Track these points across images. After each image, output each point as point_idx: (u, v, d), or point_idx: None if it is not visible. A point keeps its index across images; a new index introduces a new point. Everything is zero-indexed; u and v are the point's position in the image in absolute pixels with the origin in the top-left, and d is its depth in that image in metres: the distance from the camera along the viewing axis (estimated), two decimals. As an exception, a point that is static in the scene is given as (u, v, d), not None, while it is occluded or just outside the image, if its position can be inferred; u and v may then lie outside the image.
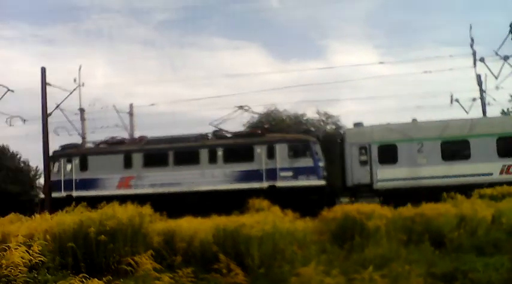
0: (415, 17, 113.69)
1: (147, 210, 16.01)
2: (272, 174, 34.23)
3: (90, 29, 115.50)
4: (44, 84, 37.47)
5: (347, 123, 55.03)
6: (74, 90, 43.96)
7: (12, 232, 15.78)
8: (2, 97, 36.80)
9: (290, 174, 33.91)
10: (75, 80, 45.07)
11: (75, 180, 37.69)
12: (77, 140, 45.13)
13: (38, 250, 13.19)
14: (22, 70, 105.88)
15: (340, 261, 13.87)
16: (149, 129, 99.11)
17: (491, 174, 31.72)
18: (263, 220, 14.89)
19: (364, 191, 31.64)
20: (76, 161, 38.01)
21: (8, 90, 37.33)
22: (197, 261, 13.89)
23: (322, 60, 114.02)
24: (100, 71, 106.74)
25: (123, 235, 14.51)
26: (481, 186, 23.82)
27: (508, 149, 32.48)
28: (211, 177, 35.37)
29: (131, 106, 49.27)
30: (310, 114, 67.47)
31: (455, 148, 33.36)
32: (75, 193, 36.66)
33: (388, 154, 33.72)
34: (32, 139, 79.57)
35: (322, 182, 33.73)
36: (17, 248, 12.71)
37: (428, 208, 17.90)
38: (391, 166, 33.57)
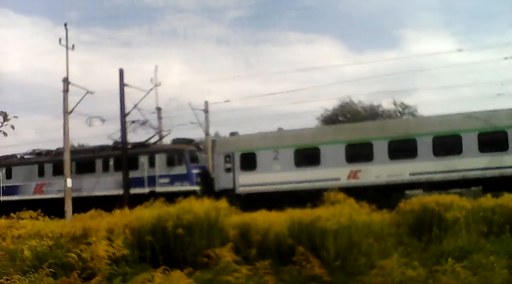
0: (493, 1, 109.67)
1: (222, 204, 16.17)
2: (152, 180, 38.73)
3: (165, 30, 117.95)
4: (122, 85, 38.42)
5: (424, 113, 53.72)
6: (151, 89, 45.01)
7: (93, 227, 16.29)
8: (81, 99, 37.92)
9: (167, 180, 38.45)
10: (151, 80, 46.19)
11: (3, 187, 45.36)
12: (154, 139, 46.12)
13: (120, 244, 13.61)
14: (100, 72, 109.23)
15: (418, 253, 13.55)
16: (224, 126, 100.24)
17: (339, 179, 33.39)
18: (339, 212, 14.69)
19: (229, 195, 31.96)
20: (3, 171, 45.59)
21: (88, 92, 38.41)
22: (272, 254, 13.88)
23: (397, 50, 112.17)
24: (175, 70, 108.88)
25: (199, 229, 14.73)
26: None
27: (356, 155, 34.14)
28: (104, 183, 40.48)
29: (206, 103, 49.83)
30: (386, 105, 66.58)
31: (306, 155, 35.40)
32: (2, 198, 44.68)
33: (249, 161, 36.77)
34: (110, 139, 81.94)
35: (195, 187, 37.00)
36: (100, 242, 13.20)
37: (509, 199, 17.25)
38: (251, 173, 36.58)
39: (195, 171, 38.25)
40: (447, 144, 32.64)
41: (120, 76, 38.45)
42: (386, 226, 16.16)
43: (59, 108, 37.47)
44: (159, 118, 47.88)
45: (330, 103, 70.63)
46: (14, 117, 4.01)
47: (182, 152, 38.43)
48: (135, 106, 41.91)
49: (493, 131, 31.86)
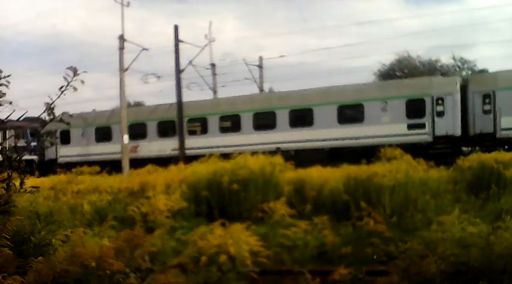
0: None
1: (277, 159, 16.15)
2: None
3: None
4: (177, 41, 38.45)
5: (485, 67, 51.94)
6: (205, 45, 44.93)
7: (151, 182, 16.57)
8: (137, 56, 38.19)
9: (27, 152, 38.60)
10: (206, 36, 46.07)
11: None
12: (209, 95, 46.29)
13: (177, 199, 13.84)
14: (155, 29, 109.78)
15: (475, 211, 13.28)
16: (278, 81, 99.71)
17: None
18: (395, 169, 14.49)
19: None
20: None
21: (143, 49, 38.62)
22: (327, 210, 13.82)
23: (457, 3, 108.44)
24: (230, 26, 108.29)
25: (254, 184, 14.80)
26: None
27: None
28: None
29: (260, 59, 49.52)
30: (445, 59, 65.00)
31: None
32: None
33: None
34: (165, 95, 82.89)
35: (33, 157, 40.23)
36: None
37: None
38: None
39: (34, 144, 38.41)
40: None
41: (175, 32, 38.46)
42: (443, 183, 15.89)
43: (115, 65, 37.65)
44: (214, 74, 47.90)
45: (387, 58, 69.22)
46: (84, 72, 3.97)
47: (25, 130, 38.20)
48: (190, 62, 42.01)
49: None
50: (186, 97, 38.74)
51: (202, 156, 18.87)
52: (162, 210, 13.03)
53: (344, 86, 36.20)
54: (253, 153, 16.85)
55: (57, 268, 6.86)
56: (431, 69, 61.00)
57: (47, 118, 3.88)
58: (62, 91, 3.87)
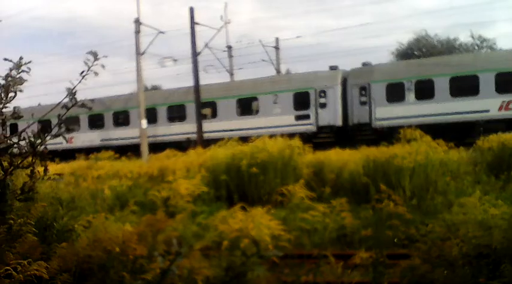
0: None
1: (296, 142, 16.13)
2: None
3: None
4: (193, 23, 38.28)
5: (504, 46, 51.27)
6: (221, 27, 44.76)
7: (170, 167, 16.64)
8: (153, 39, 38.13)
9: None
10: (221, 18, 45.90)
11: None
12: (226, 77, 46.24)
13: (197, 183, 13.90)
14: (171, 12, 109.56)
15: (496, 192, 13.19)
16: (296, 63, 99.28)
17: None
18: (415, 150, 14.41)
19: None
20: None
21: (159, 32, 38.53)
22: (346, 193, 13.80)
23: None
24: (245, 7, 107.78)
25: (273, 167, 14.81)
26: None
27: None
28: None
29: (277, 40, 49.20)
30: (464, 38, 64.35)
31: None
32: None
33: None
34: (182, 79, 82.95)
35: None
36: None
37: None
38: None
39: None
40: None
41: (191, 14, 38.28)
42: (463, 164, 15.80)
43: (131, 49, 37.55)
44: (230, 56, 47.77)
45: (405, 37, 68.69)
46: (104, 56, 3.96)
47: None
48: (206, 45, 41.92)
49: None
50: (204, 80, 38.74)
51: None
52: (183, 195, 13.09)
53: (242, 81, 38.84)
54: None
55: (80, 253, 6.90)
56: (449, 47, 60.44)
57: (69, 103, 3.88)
58: (83, 76, 3.87)
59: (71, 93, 3.85)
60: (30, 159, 3.99)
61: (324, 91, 34.54)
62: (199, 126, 35.63)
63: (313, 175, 14.92)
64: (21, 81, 3.87)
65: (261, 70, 61.23)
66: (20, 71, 3.90)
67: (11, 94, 3.86)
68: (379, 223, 11.51)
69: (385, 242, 10.34)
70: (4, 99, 3.84)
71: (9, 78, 3.93)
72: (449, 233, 8.74)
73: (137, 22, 36.97)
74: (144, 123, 35.80)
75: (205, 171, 15.31)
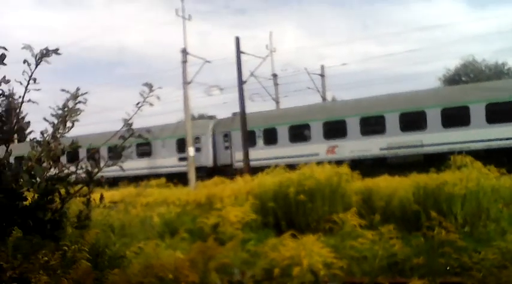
0: None
1: (344, 169, 16.02)
2: None
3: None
4: (239, 52, 38.69)
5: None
6: (267, 56, 45.15)
7: (217, 194, 16.71)
8: (200, 69, 38.67)
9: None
10: (267, 46, 46.29)
11: None
12: (271, 105, 46.43)
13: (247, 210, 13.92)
14: (217, 42, 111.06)
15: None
16: (341, 90, 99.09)
17: None
18: (466, 177, 14.13)
19: None
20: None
21: (205, 61, 39.08)
22: (396, 220, 13.59)
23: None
24: (290, 36, 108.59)
25: (321, 195, 14.70)
26: None
27: None
28: None
29: (322, 67, 49.31)
30: (513, 62, 63.36)
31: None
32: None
33: None
34: (228, 107, 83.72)
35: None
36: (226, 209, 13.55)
37: None
38: None
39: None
40: None
41: (237, 44, 38.73)
42: (516, 190, 15.40)
43: (178, 79, 38.05)
44: (275, 84, 48.01)
45: (452, 63, 67.87)
46: (159, 88, 4.04)
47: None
48: (252, 73, 42.31)
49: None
50: (249, 108, 39.01)
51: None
52: (232, 222, 13.11)
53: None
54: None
55: (132, 280, 6.97)
56: (497, 72, 59.55)
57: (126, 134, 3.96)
58: (139, 107, 3.95)
59: (128, 124, 3.93)
60: (86, 187, 4.06)
61: (199, 138, 40.63)
62: (246, 154, 35.79)
63: (361, 202, 14.75)
64: (78, 111, 3.96)
65: (307, 98, 61.19)
66: (76, 101, 4.00)
67: (69, 124, 3.95)
68: (430, 251, 11.28)
69: (437, 270, 10.14)
70: (62, 129, 3.93)
71: (66, 109, 4.02)
72: (504, 261, 8.53)
73: (184, 52, 37.55)
74: (191, 150, 36.14)
75: (252, 198, 15.30)
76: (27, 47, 3.43)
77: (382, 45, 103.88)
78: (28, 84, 3.45)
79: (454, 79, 62.04)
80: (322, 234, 12.58)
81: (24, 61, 3.43)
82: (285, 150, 36.02)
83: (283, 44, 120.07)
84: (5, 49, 3.31)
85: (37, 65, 3.46)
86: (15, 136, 3.87)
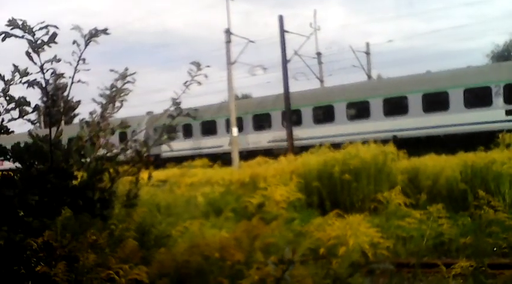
0: None
1: (390, 148, 15.85)
2: None
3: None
4: (282, 31, 38.42)
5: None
6: (311, 34, 44.73)
7: (261, 174, 16.74)
8: (243, 49, 38.58)
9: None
10: (310, 25, 45.86)
11: None
12: (316, 84, 46.10)
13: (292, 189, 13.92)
14: (260, 21, 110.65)
15: None
16: (387, 67, 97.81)
17: None
18: (514, 155, 13.86)
19: None
20: None
21: (249, 41, 38.94)
22: (443, 199, 13.42)
23: None
24: (335, 13, 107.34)
25: (366, 174, 14.57)
26: None
27: None
28: None
29: (367, 45, 48.52)
30: None
31: None
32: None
33: None
34: (272, 87, 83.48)
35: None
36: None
37: None
38: None
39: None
40: None
41: (280, 23, 38.43)
42: None
43: (222, 59, 38.02)
44: (320, 63, 47.55)
45: (501, 39, 66.23)
46: (207, 66, 4.03)
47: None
48: (296, 52, 41.97)
49: None
50: (293, 87, 38.75)
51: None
52: (277, 201, 13.13)
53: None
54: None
55: (178, 258, 7.04)
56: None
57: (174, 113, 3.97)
58: (187, 86, 3.95)
59: (176, 102, 3.94)
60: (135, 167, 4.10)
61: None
62: (290, 133, 35.59)
63: (408, 181, 14.59)
64: (127, 91, 3.99)
65: (352, 76, 60.62)
66: (125, 81, 4.02)
67: (117, 104, 3.98)
68: (478, 231, 11.13)
69: (484, 251, 9.99)
70: (110, 109, 3.96)
71: (114, 89, 4.05)
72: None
73: (228, 32, 37.47)
74: (235, 131, 36.19)
75: (297, 177, 15.27)
76: (76, 28, 3.46)
77: (429, 21, 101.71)
78: (78, 64, 3.48)
79: (503, 55, 60.51)
80: (367, 214, 12.53)
81: (74, 42, 3.46)
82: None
83: (328, 21, 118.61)
84: (57, 27, 3.34)
85: (86, 45, 3.48)
86: (63, 117, 3.92)
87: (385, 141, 18.01)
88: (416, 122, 30.50)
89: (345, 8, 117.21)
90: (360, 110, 33.45)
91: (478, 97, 28.97)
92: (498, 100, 28.50)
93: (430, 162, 15.47)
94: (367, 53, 48.06)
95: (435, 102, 30.10)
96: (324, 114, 35.14)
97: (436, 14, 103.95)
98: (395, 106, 31.68)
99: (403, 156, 16.51)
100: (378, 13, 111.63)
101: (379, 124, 31.52)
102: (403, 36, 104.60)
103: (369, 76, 47.19)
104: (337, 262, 6.11)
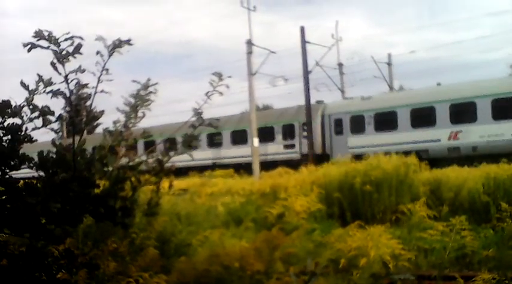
0: None
1: (412, 159, 15.76)
2: None
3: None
4: (304, 42, 38.43)
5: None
6: (332, 45, 44.69)
7: (282, 184, 16.72)
8: (264, 60, 38.62)
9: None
10: (332, 36, 45.80)
11: None
12: (337, 95, 46.00)
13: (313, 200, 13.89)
14: (282, 32, 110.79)
15: None
16: (409, 79, 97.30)
17: None
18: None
19: None
20: None
21: (270, 52, 39.00)
22: (465, 211, 13.29)
23: None
24: (356, 25, 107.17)
25: (388, 185, 14.48)
26: None
27: None
28: None
29: (389, 56, 48.28)
30: None
31: None
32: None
33: None
34: (293, 97, 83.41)
35: None
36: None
37: None
38: None
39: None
40: None
41: (302, 34, 38.47)
42: None
43: (243, 70, 38.06)
44: (341, 74, 47.46)
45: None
46: (228, 76, 4.07)
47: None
48: (317, 63, 41.92)
49: None
50: (314, 98, 38.69)
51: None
52: (297, 211, 13.10)
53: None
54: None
55: (198, 267, 7.06)
56: None
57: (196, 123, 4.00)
58: (208, 96, 3.98)
59: (197, 112, 3.97)
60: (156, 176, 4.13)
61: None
62: (311, 144, 35.53)
63: (429, 193, 14.48)
64: (149, 101, 4.03)
65: (374, 87, 60.18)
66: (147, 91, 4.06)
67: (140, 114, 4.02)
68: (500, 243, 11.01)
69: (507, 264, 9.87)
70: (133, 119, 4.01)
71: (138, 99, 4.09)
72: None
73: (249, 43, 37.57)
74: (255, 141, 36.20)
75: (317, 188, 15.24)
76: (100, 39, 3.51)
77: (452, 32, 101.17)
78: (101, 74, 3.52)
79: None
80: (388, 225, 12.46)
81: (97, 52, 3.51)
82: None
83: (349, 32, 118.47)
84: (81, 38, 3.39)
85: (110, 55, 3.53)
86: (86, 127, 3.97)
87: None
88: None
89: (367, 19, 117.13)
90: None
91: None
92: None
93: (452, 174, 15.33)
94: (389, 64, 47.85)
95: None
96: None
97: (460, 25, 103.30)
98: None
99: (424, 167, 16.40)
100: (401, 24, 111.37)
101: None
102: (426, 46, 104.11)
103: (391, 87, 46.98)
104: (358, 274, 6.07)
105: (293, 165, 28.93)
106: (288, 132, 37.76)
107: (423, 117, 31.46)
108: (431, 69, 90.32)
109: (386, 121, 32.82)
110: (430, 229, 11.11)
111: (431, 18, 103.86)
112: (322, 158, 32.64)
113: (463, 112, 29.88)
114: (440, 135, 30.42)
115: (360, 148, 32.19)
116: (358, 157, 30.38)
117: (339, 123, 35.25)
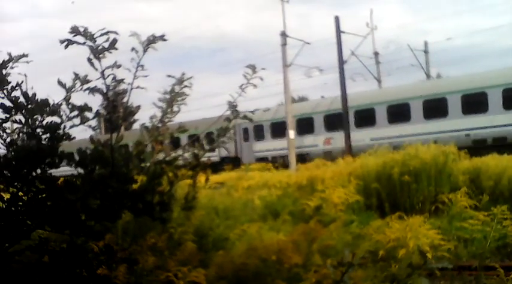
0: None
1: (451, 148, 15.54)
2: None
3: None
4: (339, 32, 38.14)
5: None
6: (368, 34, 44.30)
7: (319, 176, 16.67)
8: (299, 51, 38.52)
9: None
10: (367, 24, 45.38)
11: None
12: (373, 84, 45.60)
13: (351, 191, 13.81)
14: (316, 23, 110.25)
15: None
16: (446, 65, 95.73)
17: None
18: None
19: None
20: None
21: (305, 43, 38.87)
22: (505, 200, 13.07)
23: None
24: (392, 12, 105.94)
25: (426, 175, 14.33)
26: None
27: None
28: None
29: (426, 43, 47.64)
30: None
31: None
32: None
33: None
34: (329, 88, 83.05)
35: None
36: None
37: None
38: None
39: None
40: None
41: (336, 23, 38.19)
42: None
43: (278, 62, 38.03)
44: (377, 63, 47.00)
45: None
46: (262, 69, 4.06)
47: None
48: (353, 53, 41.62)
49: None
50: (350, 88, 38.38)
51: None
52: (335, 203, 13.04)
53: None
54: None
55: (236, 261, 7.08)
56: None
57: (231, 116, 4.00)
58: (243, 89, 3.97)
59: (232, 105, 3.97)
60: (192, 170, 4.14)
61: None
62: (347, 135, 35.28)
63: (469, 182, 14.26)
64: (184, 95, 4.04)
65: (411, 75, 59.52)
66: (182, 86, 4.07)
67: (175, 108, 4.04)
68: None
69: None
70: (169, 113, 4.02)
71: (173, 93, 4.11)
72: None
73: (283, 35, 37.51)
74: (291, 133, 36.12)
75: (355, 179, 15.15)
76: (135, 35, 3.54)
77: (491, 17, 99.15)
78: (136, 70, 3.55)
79: None
80: (427, 215, 12.33)
81: (132, 48, 3.53)
82: None
83: (385, 21, 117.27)
84: (117, 33, 3.42)
85: (144, 51, 3.55)
86: (124, 122, 4.00)
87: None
88: None
89: (402, 6, 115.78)
90: None
91: None
92: None
93: (492, 162, 15.08)
94: (426, 52, 47.21)
95: None
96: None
97: (498, 9, 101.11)
98: None
99: (464, 156, 16.16)
100: (437, 10, 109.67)
101: None
102: (463, 33, 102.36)
103: (428, 76, 46.37)
104: (397, 265, 6.02)
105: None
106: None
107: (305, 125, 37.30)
108: (469, 56, 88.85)
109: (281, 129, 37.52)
110: (471, 219, 10.96)
111: (469, 4, 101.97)
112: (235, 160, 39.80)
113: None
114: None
115: (263, 152, 39.48)
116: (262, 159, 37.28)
117: (246, 131, 40.83)
